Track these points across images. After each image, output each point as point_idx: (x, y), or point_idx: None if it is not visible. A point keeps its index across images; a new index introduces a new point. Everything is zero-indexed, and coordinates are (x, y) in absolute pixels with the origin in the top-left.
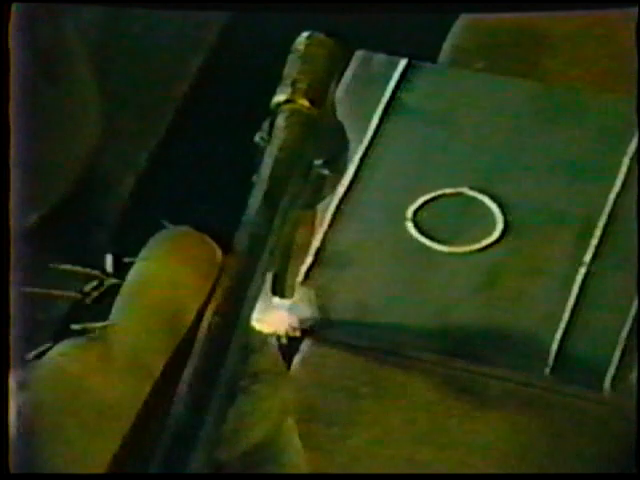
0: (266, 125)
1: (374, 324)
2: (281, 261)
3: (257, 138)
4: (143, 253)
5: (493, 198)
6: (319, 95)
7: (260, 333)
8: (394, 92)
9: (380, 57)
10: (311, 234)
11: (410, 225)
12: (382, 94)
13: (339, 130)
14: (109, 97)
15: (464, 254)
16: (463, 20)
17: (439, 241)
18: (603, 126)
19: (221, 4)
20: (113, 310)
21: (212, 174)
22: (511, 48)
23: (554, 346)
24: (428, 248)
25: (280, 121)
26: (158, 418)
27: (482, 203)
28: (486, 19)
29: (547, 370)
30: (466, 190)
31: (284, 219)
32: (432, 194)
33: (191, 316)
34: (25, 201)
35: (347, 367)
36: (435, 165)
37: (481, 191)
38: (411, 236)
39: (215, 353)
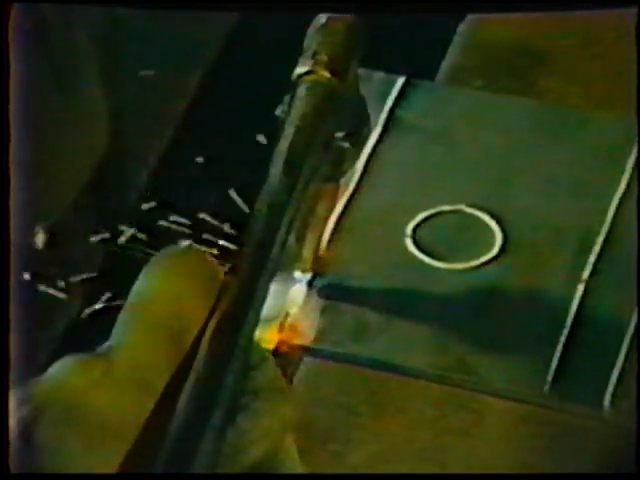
0: (287, 98)
1: (373, 341)
2: (301, 233)
3: (278, 112)
4: (145, 270)
5: (492, 215)
6: (340, 67)
7: (261, 349)
8: (392, 109)
9: (378, 75)
10: (332, 207)
11: (409, 242)
12: (380, 111)
13: (361, 103)
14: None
15: (463, 271)
16: (461, 38)
17: (438, 258)
18: (601, 144)
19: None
20: (115, 326)
21: (214, 189)
22: (509, 66)
23: (553, 363)
24: (427, 265)
25: (301, 92)
26: (160, 435)
27: (481, 220)
28: (484, 37)
29: (546, 387)
30: (464, 207)
31: (304, 190)
32: (431, 211)
33: (193, 333)
34: (31, 213)
35: (346, 384)
36: (434, 182)
37: (480, 208)
38: (410, 253)
39: (215, 370)
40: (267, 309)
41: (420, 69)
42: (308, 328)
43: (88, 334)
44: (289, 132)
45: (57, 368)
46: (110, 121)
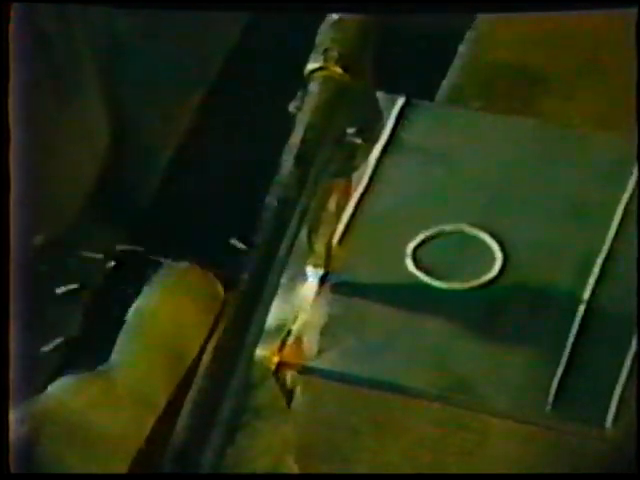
0: (300, 94)
1: (373, 360)
2: (312, 227)
3: (291, 108)
4: (146, 288)
5: (492, 235)
6: (352, 62)
7: (262, 368)
8: (393, 129)
9: (379, 95)
10: (343, 202)
11: (410, 261)
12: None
13: (372, 99)
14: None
15: (463, 291)
16: (460, 59)
17: (438, 277)
18: (601, 164)
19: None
20: (117, 345)
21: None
22: (508, 87)
23: (555, 383)
24: (428, 284)
25: (312, 88)
26: (161, 452)
27: (481, 240)
28: (483, 58)
29: (548, 407)
30: (465, 227)
31: (315, 184)
32: (431, 231)
33: (194, 351)
34: (31, 223)
35: (347, 403)
36: (434, 202)
37: (480, 228)
38: (411, 272)
39: (216, 388)
40: (275, 312)
41: (420, 89)
42: (309, 347)
43: (87, 353)
44: (300, 127)
45: (57, 387)
46: (111, 133)
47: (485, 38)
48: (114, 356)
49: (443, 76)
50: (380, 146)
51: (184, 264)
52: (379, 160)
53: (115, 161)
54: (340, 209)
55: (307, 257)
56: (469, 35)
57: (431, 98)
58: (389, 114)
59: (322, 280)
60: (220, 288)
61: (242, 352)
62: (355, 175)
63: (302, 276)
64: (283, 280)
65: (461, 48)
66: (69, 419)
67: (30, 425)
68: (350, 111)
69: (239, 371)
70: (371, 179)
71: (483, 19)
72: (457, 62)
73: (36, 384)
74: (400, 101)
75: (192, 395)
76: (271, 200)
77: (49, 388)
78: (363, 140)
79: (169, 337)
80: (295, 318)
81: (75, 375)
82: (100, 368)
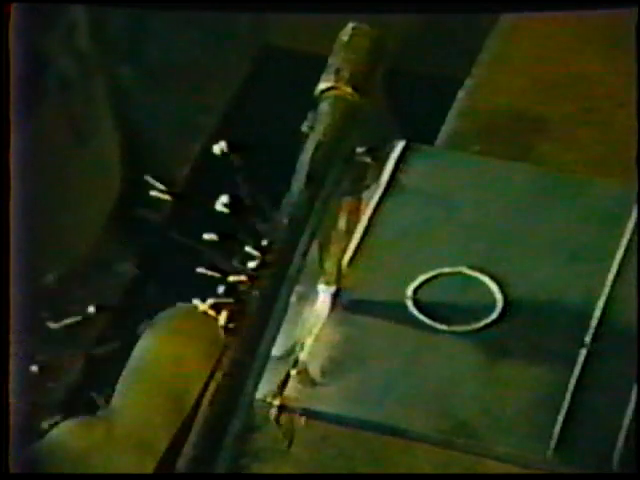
0: (312, 115)
1: (375, 403)
2: (323, 246)
3: (304, 127)
4: (148, 331)
5: (492, 277)
6: (362, 83)
7: (262, 411)
8: (393, 173)
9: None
10: (354, 221)
11: (410, 303)
12: (381, 175)
13: (382, 119)
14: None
15: (464, 333)
16: (460, 104)
17: (439, 320)
18: (599, 209)
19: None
20: (118, 387)
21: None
22: (507, 132)
23: (556, 427)
24: (428, 326)
25: (323, 107)
26: None
27: (481, 282)
28: (482, 103)
29: (550, 451)
30: (465, 269)
31: (325, 203)
32: (431, 273)
33: (195, 393)
34: (42, 262)
35: (347, 446)
36: (434, 244)
37: (480, 270)
38: (411, 314)
39: (215, 431)
40: (283, 336)
41: (420, 134)
42: (310, 389)
43: (88, 398)
44: (311, 146)
45: (58, 430)
46: (121, 172)
47: (484, 84)
48: (115, 400)
49: (443, 121)
50: (381, 189)
51: (185, 307)
52: (380, 202)
53: (128, 196)
54: (350, 228)
55: (317, 275)
56: (468, 81)
57: (431, 142)
58: (390, 158)
59: (334, 297)
60: (221, 331)
61: (242, 395)
62: (365, 194)
63: (312, 294)
64: (292, 299)
65: (460, 94)
66: (70, 462)
67: (32, 468)
68: (360, 130)
69: (239, 414)
70: (371, 221)
71: (482, 65)
72: (456, 107)
73: (38, 428)
74: (400, 145)
75: (192, 438)
76: (282, 218)
77: (51, 432)
78: (372, 159)
79: (169, 381)
80: (301, 346)
81: (76, 419)
82: (101, 412)
